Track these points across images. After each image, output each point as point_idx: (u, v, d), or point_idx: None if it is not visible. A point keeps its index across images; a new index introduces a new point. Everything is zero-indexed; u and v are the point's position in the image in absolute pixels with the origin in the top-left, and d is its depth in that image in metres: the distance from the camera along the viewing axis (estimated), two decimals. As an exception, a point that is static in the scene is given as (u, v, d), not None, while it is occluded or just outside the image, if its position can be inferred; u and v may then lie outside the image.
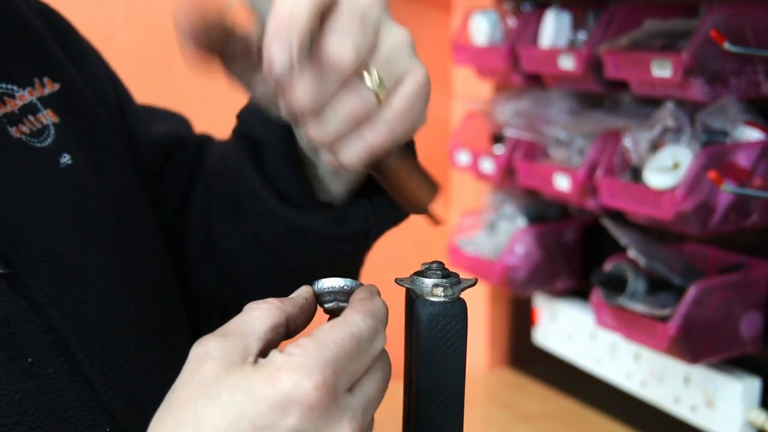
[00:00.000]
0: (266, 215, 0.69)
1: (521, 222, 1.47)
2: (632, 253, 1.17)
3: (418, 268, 0.57)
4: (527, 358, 1.63)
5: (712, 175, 1.03)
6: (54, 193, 0.65)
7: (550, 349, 1.52)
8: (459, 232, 1.52)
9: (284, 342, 0.51)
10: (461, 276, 0.57)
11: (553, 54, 1.27)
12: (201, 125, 0.93)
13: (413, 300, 0.56)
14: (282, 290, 0.56)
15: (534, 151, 1.38)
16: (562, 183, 1.27)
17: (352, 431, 0.48)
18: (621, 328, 1.18)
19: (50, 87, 0.70)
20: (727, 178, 1.05)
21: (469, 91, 1.60)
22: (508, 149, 1.40)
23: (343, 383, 0.48)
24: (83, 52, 0.78)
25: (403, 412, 0.59)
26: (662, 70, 1.07)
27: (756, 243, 1.16)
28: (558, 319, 1.49)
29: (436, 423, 0.55)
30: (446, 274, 0.56)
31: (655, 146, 1.16)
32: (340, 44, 0.51)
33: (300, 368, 0.47)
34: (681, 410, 1.25)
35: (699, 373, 1.21)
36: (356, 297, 0.53)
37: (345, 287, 0.54)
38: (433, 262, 0.57)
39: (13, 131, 0.65)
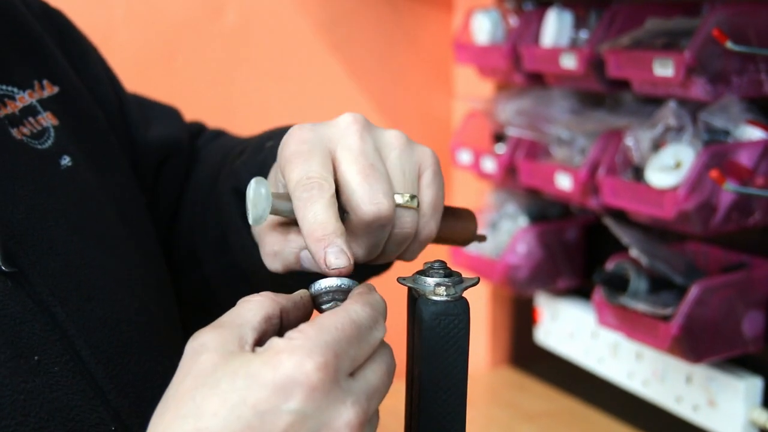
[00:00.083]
0: (251, 256, 0.70)
1: (523, 221, 1.46)
2: (634, 253, 1.17)
3: (420, 267, 0.57)
4: (529, 357, 1.63)
5: (714, 174, 1.03)
6: (56, 193, 0.65)
7: (551, 348, 1.51)
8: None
9: None
10: (463, 275, 0.57)
11: (554, 53, 1.27)
12: (202, 124, 0.93)
13: (415, 299, 0.56)
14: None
15: (535, 151, 1.38)
16: (564, 182, 1.27)
17: (356, 415, 0.47)
18: (623, 327, 1.18)
19: (50, 90, 0.70)
20: (729, 177, 1.05)
21: (471, 91, 1.60)
22: (510, 148, 1.40)
23: (345, 366, 0.48)
24: (85, 53, 0.79)
25: (406, 411, 0.59)
26: (664, 69, 1.07)
27: (758, 242, 1.16)
28: (559, 319, 1.49)
29: (439, 422, 0.55)
30: (448, 273, 0.56)
31: (657, 145, 1.16)
32: (371, 198, 0.57)
33: (300, 350, 0.46)
34: (683, 410, 1.25)
35: (701, 372, 1.21)
36: (355, 292, 0.54)
37: (342, 286, 0.55)
38: (435, 261, 0.57)
39: (14, 133, 0.65)
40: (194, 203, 0.81)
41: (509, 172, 1.40)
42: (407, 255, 0.63)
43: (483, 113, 1.49)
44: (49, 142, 0.67)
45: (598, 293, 1.20)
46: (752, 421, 1.16)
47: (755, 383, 1.17)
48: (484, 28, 1.43)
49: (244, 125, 1.06)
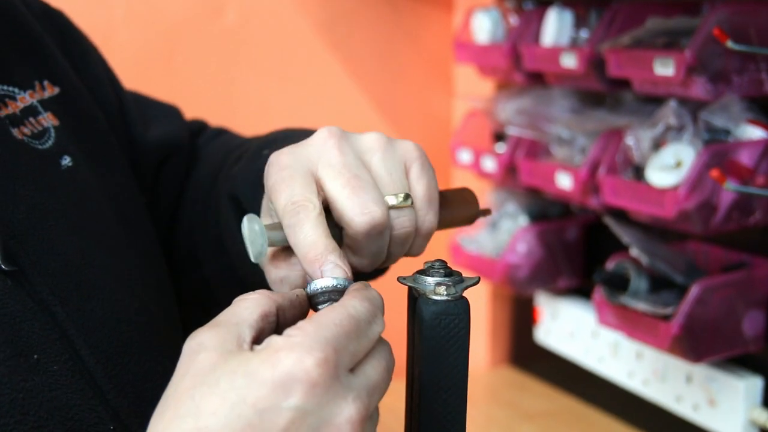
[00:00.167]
0: (247, 263, 0.70)
1: (523, 220, 1.46)
2: (634, 252, 1.17)
3: (421, 266, 0.57)
4: (529, 356, 1.63)
5: (714, 173, 1.03)
6: (57, 193, 0.65)
7: (551, 347, 1.51)
8: (461, 230, 1.52)
9: None
10: (463, 274, 0.57)
11: (555, 52, 1.27)
12: (202, 124, 0.93)
13: (416, 298, 0.56)
14: None
15: (536, 150, 1.38)
16: (564, 181, 1.26)
17: (357, 411, 0.47)
18: (623, 326, 1.17)
19: (50, 90, 0.70)
20: (729, 176, 1.05)
21: (471, 90, 1.60)
22: (510, 148, 1.40)
23: (345, 362, 0.48)
24: (85, 54, 0.79)
25: (406, 410, 0.59)
26: (665, 68, 1.07)
27: (759, 241, 1.16)
28: (560, 318, 1.48)
29: (439, 421, 0.55)
30: (449, 272, 0.56)
31: (658, 144, 1.16)
32: (362, 210, 0.57)
33: (299, 347, 0.46)
34: (683, 409, 1.25)
35: (701, 371, 1.21)
36: (351, 289, 0.54)
37: (338, 286, 0.55)
38: (435, 261, 0.57)
39: (15, 133, 0.65)
40: (195, 202, 0.81)
41: (509, 171, 1.40)
42: (414, 251, 0.63)
43: (483, 112, 1.49)
44: (50, 143, 0.68)
45: (599, 293, 1.20)
46: (752, 421, 1.16)
47: (755, 383, 1.16)
48: (484, 28, 1.43)
49: (244, 125, 1.06)
